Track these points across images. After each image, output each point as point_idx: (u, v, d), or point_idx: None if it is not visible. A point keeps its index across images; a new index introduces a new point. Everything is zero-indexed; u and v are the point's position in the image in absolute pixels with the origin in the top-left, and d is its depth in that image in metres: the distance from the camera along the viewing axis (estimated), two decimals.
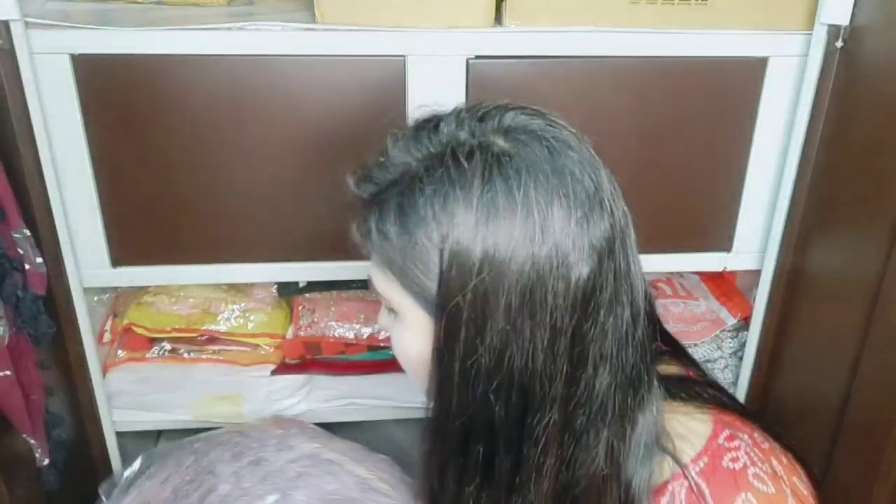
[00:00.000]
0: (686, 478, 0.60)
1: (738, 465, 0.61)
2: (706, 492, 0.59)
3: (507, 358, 0.56)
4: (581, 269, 0.56)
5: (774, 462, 0.63)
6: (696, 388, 0.68)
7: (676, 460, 0.61)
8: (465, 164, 0.55)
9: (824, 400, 0.99)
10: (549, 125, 0.59)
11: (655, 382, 0.63)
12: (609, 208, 0.58)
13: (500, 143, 0.57)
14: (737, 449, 0.62)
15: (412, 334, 0.61)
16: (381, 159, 0.61)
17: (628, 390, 0.60)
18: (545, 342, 0.55)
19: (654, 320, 0.68)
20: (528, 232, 0.54)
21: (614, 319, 0.58)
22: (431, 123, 0.60)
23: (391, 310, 0.64)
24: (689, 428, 0.64)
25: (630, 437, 0.60)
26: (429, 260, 0.56)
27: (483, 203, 0.54)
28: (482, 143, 0.57)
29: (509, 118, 0.59)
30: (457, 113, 0.60)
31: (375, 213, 0.59)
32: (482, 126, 0.58)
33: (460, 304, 0.55)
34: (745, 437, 0.63)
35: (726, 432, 0.63)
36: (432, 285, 0.57)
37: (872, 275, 0.88)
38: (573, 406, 0.58)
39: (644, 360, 0.61)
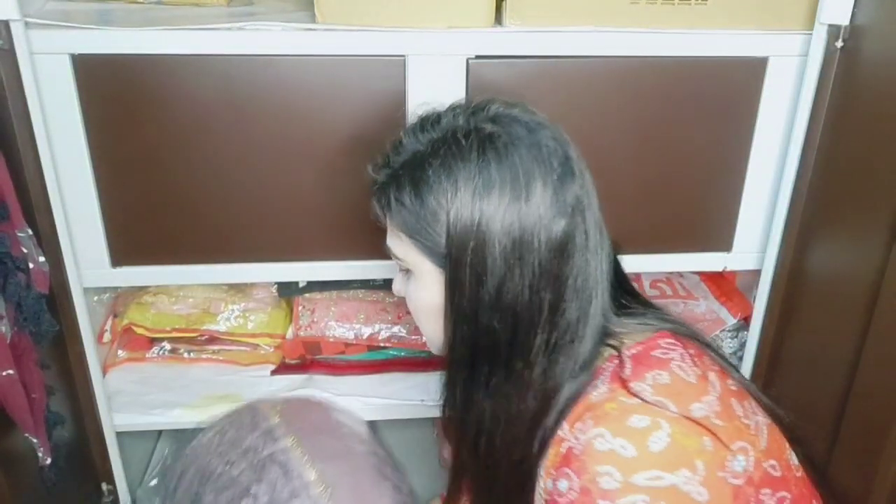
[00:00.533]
0: (619, 357, 0.74)
1: (665, 356, 0.74)
2: (628, 365, 0.73)
3: (504, 292, 0.71)
4: (559, 221, 0.70)
5: (711, 375, 0.74)
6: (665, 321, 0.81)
7: (616, 347, 0.75)
8: (464, 143, 0.71)
9: (824, 399, 0.99)
10: (526, 111, 0.74)
11: (610, 315, 0.78)
12: (579, 173, 0.73)
13: (489, 126, 0.72)
14: (671, 349, 0.74)
15: (425, 287, 0.76)
16: (395, 146, 0.76)
17: (598, 317, 0.75)
18: (532, 279, 0.70)
19: (619, 270, 0.83)
20: (516, 192, 0.69)
21: (585, 262, 0.73)
22: (433, 116, 0.75)
23: (406, 271, 0.79)
24: (641, 332, 0.78)
25: (591, 348, 0.75)
26: (438, 220, 0.71)
27: (479, 171, 0.69)
28: (476, 126, 0.72)
29: (494, 108, 0.74)
30: (453, 108, 0.75)
31: (393, 187, 0.74)
32: (474, 116, 0.74)
33: (465, 253, 0.70)
34: (690, 350, 0.75)
35: (670, 340, 0.76)
36: (442, 240, 0.72)
37: (872, 274, 0.88)
38: (552, 328, 0.73)
39: (608, 293, 0.77)
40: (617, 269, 0.82)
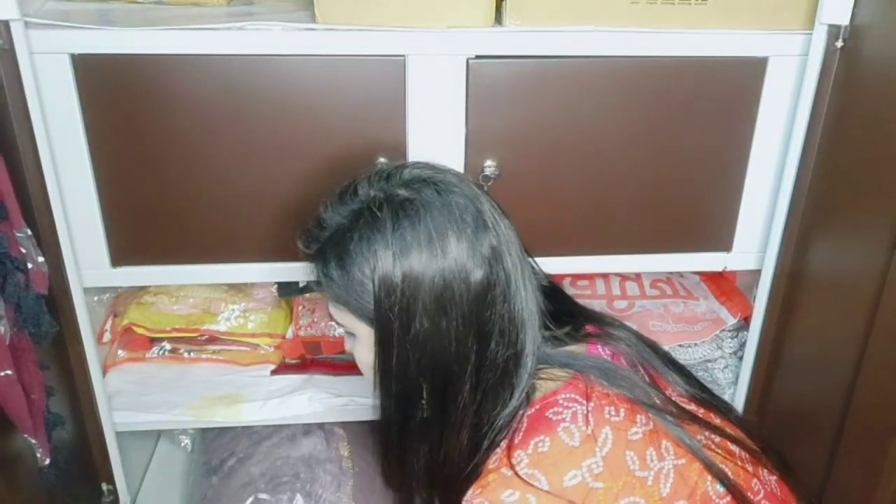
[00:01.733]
0: (519, 417, 0.78)
1: (556, 418, 0.76)
2: (524, 426, 0.77)
3: (429, 346, 0.75)
4: (476, 273, 0.75)
5: (605, 431, 0.76)
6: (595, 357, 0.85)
7: (519, 405, 0.79)
8: (379, 214, 0.75)
9: (825, 400, 0.99)
10: (436, 173, 0.79)
11: (537, 351, 0.81)
12: (491, 225, 0.77)
13: (402, 192, 0.76)
14: (566, 408, 0.77)
15: (365, 347, 0.81)
16: (319, 222, 0.80)
17: (522, 358, 0.79)
18: (456, 331, 0.75)
19: (556, 295, 0.89)
20: (433, 253, 0.74)
21: (509, 306, 0.77)
22: (351, 188, 0.79)
23: (350, 334, 0.84)
24: (554, 382, 0.80)
25: (518, 391, 0.79)
26: (365, 288, 0.76)
27: (396, 238, 0.74)
28: (389, 195, 0.77)
29: (407, 173, 0.79)
30: (369, 176, 0.80)
31: (321, 263, 0.79)
32: (388, 183, 0.78)
33: (390, 314, 0.74)
34: (590, 405, 0.77)
35: (569, 394, 0.78)
36: (370, 306, 0.76)
37: (873, 274, 0.88)
38: (481, 374, 0.77)
39: (537, 329, 0.81)
40: (555, 294, 0.88)
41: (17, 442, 0.92)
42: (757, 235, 1.10)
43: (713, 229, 1.10)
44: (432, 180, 0.77)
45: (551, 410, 0.77)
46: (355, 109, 0.97)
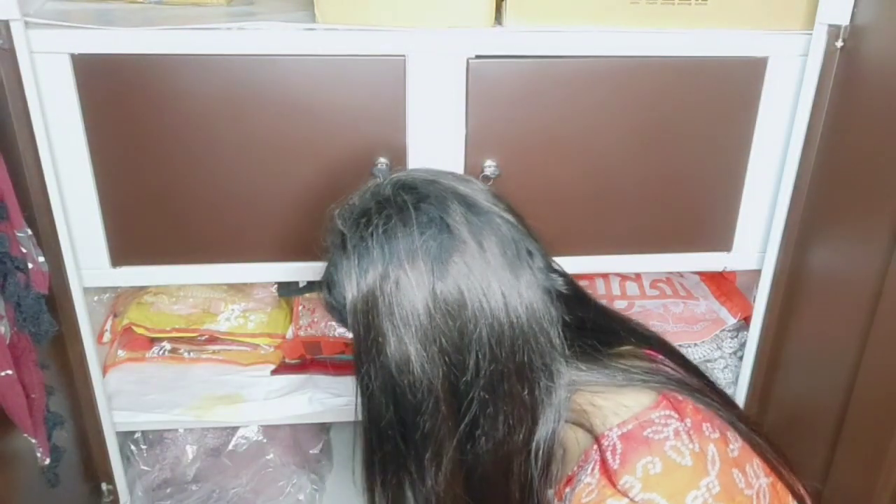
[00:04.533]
0: (606, 438, 0.70)
1: (658, 437, 0.69)
2: (619, 449, 0.68)
3: (390, 363, 0.69)
4: (442, 285, 0.68)
5: (711, 449, 0.69)
6: (660, 373, 0.77)
7: (589, 428, 0.71)
8: (346, 247, 0.72)
9: (825, 400, 0.99)
10: (414, 185, 0.74)
11: (564, 370, 0.73)
12: (464, 236, 0.70)
13: (371, 218, 0.71)
14: (665, 426, 0.69)
15: None
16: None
17: (526, 373, 0.70)
18: (418, 347, 0.68)
19: (583, 303, 0.80)
20: (396, 271, 0.69)
21: (489, 318, 0.69)
22: (332, 223, 0.76)
23: None
24: (634, 399, 0.73)
25: (541, 411, 0.71)
26: (341, 310, 0.73)
27: (358, 263, 0.70)
28: (357, 225, 0.72)
29: (385, 189, 0.74)
30: (341, 212, 0.76)
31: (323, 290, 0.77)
32: (352, 217, 0.74)
33: (358, 330, 0.71)
34: (687, 421, 0.70)
35: (663, 411, 0.71)
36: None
37: (873, 274, 0.88)
38: (462, 393, 0.70)
39: (547, 355, 0.72)
40: (581, 301, 0.79)
41: (17, 442, 0.92)
42: (757, 235, 1.10)
43: (713, 229, 1.10)
44: (398, 201, 0.72)
45: (649, 429, 0.69)
46: (355, 109, 0.97)
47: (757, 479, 0.72)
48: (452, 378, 0.70)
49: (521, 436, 0.71)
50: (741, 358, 1.19)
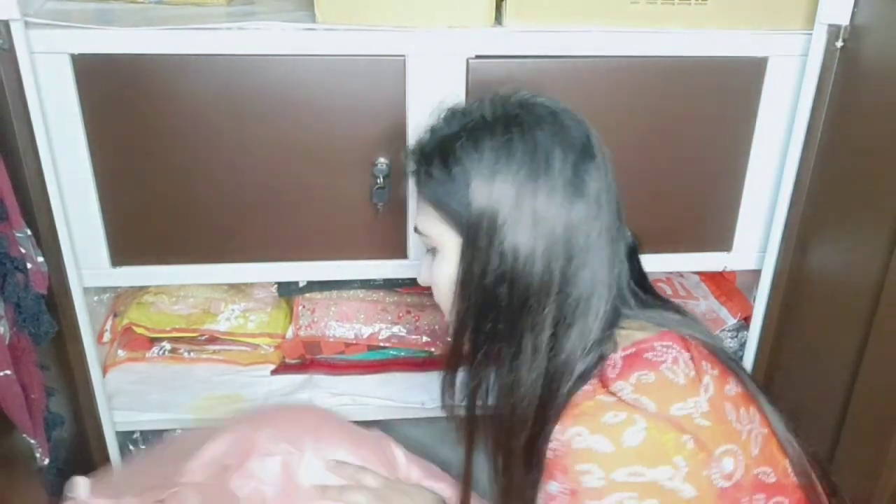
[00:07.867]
0: (611, 359, 0.75)
1: (656, 359, 0.74)
2: (619, 365, 0.73)
3: (516, 259, 0.73)
4: (575, 196, 0.73)
5: (707, 379, 0.74)
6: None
7: (615, 342, 0.76)
8: (490, 122, 0.75)
9: (825, 400, 0.99)
10: (550, 100, 0.79)
11: (620, 292, 0.79)
12: (600, 155, 0.76)
13: (515, 110, 0.76)
14: (665, 353, 0.74)
15: (448, 259, 0.79)
16: (429, 132, 0.80)
17: (610, 296, 0.76)
18: (545, 249, 0.73)
19: (638, 264, 0.86)
20: (536, 166, 0.72)
21: (600, 239, 0.75)
22: (462, 107, 0.80)
23: (432, 251, 0.82)
24: (645, 327, 0.78)
25: (597, 326, 0.76)
26: (462, 189, 0.74)
27: (503, 145, 0.73)
28: (503, 110, 0.77)
29: (520, 96, 0.78)
30: (480, 99, 0.79)
31: (424, 163, 0.79)
32: (501, 102, 0.78)
33: (483, 218, 0.73)
34: (689, 354, 0.75)
35: (666, 343, 0.75)
36: (464, 208, 0.74)
37: (873, 274, 0.88)
38: (562, 300, 0.74)
39: (624, 277, 0.80)
40: (636, 262, 0.85)
41: (17, 442, 0.92)
42: (757, 235, 1.10)
43: (713, 229, 1.10)
44: (546, 104, 0.77)
45: (649, 353, 0.74)
46: (355, 109, 0.97)
47: (751, 423, 0.75)
48: (562, 280, 0.74)
49: (579, 352, 0.75)
50: (741, 358, 1.19)
